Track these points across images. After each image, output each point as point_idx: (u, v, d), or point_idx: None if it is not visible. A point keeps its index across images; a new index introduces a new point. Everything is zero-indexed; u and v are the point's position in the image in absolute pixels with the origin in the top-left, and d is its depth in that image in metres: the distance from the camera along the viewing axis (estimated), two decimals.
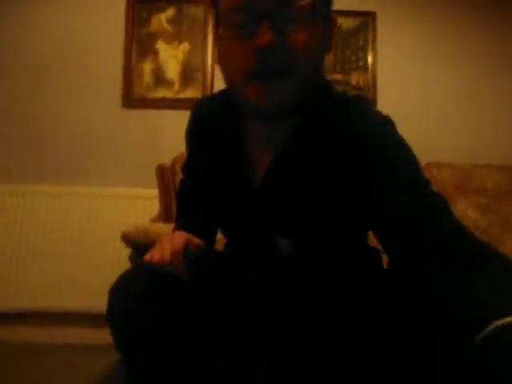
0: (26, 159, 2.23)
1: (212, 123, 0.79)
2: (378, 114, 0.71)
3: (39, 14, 2.29)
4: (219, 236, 0.91)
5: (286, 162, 0.71)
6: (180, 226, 0.86)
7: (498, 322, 0.44)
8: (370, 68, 2.38)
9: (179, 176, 1.85)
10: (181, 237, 0.73)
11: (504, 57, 2.44)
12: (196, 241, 0.73)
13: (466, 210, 2.12)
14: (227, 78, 0.68)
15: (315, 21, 0.63)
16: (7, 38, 2.27)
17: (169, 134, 2.26)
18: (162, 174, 2.00)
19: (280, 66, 0.61)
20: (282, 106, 0.64)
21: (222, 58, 0.68)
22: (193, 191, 0.88)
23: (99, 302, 2.05)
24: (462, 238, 0.59)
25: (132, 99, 2.27)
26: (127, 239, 1.54)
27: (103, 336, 2.05)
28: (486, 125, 2.41)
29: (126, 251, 1.61)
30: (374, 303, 0.68)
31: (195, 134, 0.84)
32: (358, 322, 0.68)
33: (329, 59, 2.36)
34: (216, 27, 0.67)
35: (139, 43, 2.28)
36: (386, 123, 0.69)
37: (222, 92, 0.81)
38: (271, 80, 0.62)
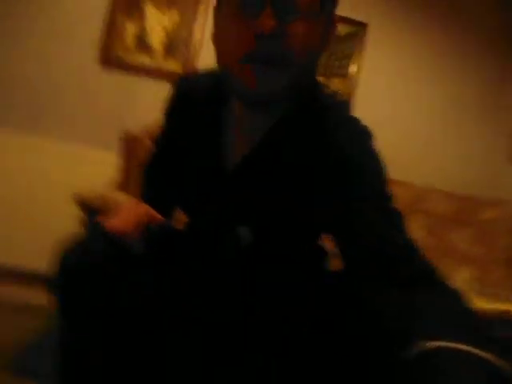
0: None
1: (194, 103, 0.78)
2: (358, 123, 0.72)
3: None
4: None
5: (261, 153, 0.71)
6: (143, 198, 0.85)
7: (424, 345, 0.48)
8: (351, 76, 2.42)
9: (145, 145, 1.82)
10: (143, 208, 0.72)
11: (492, 78, 2.56)
12: (157, 216, 0.72)
13: (413, 229, 2.22)
14: (221, 57, 0.67)
15: (318, 18, 0.63)
16: None
17: (142, 102, 2.20)
18: (128, 141, 1.95)
19: (276, 55, 0.61)
20: (270, 95, 0.64)
21: (218, 35, 0.67)
22: (161, 166, 0.87)
23: (36, 262, 2.00)
24: (413, 256, 0.62)
25: (110, 58, 2.19)
26: (82, 202, 1.50)
27: (34, 295, 1.99)
28: (451, 150, 2.54)
29: (74, 213, 1.55)
30: (312, 302, 0.70)
31: (175, 110, 0.82)
32: (293, 318, 0.69)
33: None
34: (217, 2, 0.66)
35: (126, 2, 2.19)
36: (363, 134, 0.71)
37: (207, 73, 0.79)
38: (266, 67, 0.61)
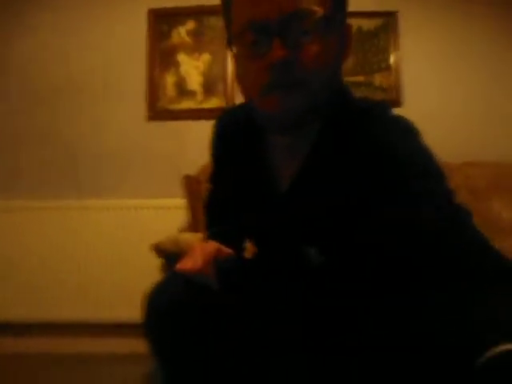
0: (63, 177, 2.30)
1: (235, 136, 0.81)
2: (401, 121, 0.69)
3: (64, 37, 2.36)
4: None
5: (309, 170, 0.71)
6: (210, 236, 0.87)
7: (504, 347, 0.43)
8: (393, 69, 2.34)
9: (205, 185, 1.88)
10: (211, 246, 0.75)
11: None
12: (226, 250, 0.76)
13: (500, 210, 2.05)
14: (245, 93, 0.71)
15: (327, 31, 0.64)
16: (39, 66, 2.36)
17: (193, 144, 2.28)
18: (189, 184, 2.02)
19: (292, 80, 0.62)
20: (294, 115, 0.65)
21: (238, 75, 0.71)
22: (221, 202, 0.89)
23: (128, 313, 2.10)
24: (485, 254, 0.57)
25: (156, 111, 2.32)
26: (158, 249, 1.56)
27: (131, 345, 2.08)
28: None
29: (155, 262, 1.63)
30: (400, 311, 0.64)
31: (219, 147, 0.86)
32: (389, 331, 0.65)
33: (349, 62, 2.34)
34: (230, 47, 0.69)
35: (161, 56, 2.33)
36: (409, 131, 0.68)
37: (242, 105, 0.83)
38: (284, 92, 0.63)
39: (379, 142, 0.65)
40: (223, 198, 0.88)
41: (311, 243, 0.73)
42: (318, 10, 0.61)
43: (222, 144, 0.85)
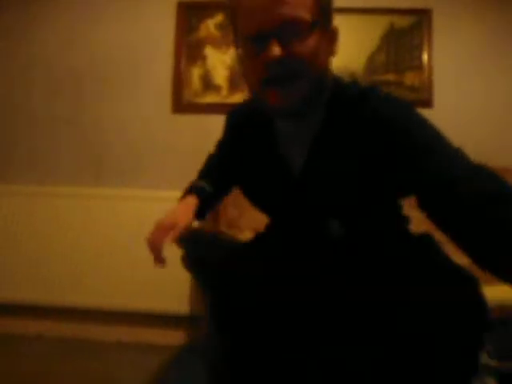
0: (88, 165, 2.34)
1: (246, 127, 0.94)
2: (397, 98, 0.78)
3: (96, 28, 2.39)
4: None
5: (320, 152, 0.81)
6: (201, 177, 1.06)
7: None
8: (425, 68, 2.27)
9: None
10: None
11: None
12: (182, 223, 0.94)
13: None
14: (250, 88, 0.83)
15: (315, 32, 0.75)
16: (63, 55, 2.39)
17: (217, 138, 2.27)
18: None
19: (288, 73, 0.74)
20: (295, 104, 0.77)
21: (243, 73, 0.82)
22: (221, 163, 1.06)
23: (155, 303, 2.12)
24: (493, 177, 0.64)
25: (181, 104, 2.32)
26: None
27: (155, 335, 2.11)
28: None
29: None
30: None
31: (230, 134, 1.00)
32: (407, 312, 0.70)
33: (380, 59, 2.28)
34: (236, 49, 0.81)
35: (188, 49, 2.33)
36: (407, 105, 0.77)
37: (249, 100, 0.97)
38: (282, 85, 0.75)
39: (385, 116, 0.74)
40: (221, 161, 1.05)
41: (333, 216, 0.82)
42: (307, 17, 0.73)
43: (233, 132, 0.98)
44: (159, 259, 0.91)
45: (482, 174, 0.64)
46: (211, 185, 1.03)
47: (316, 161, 0.81)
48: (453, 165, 0.66)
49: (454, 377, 0.68)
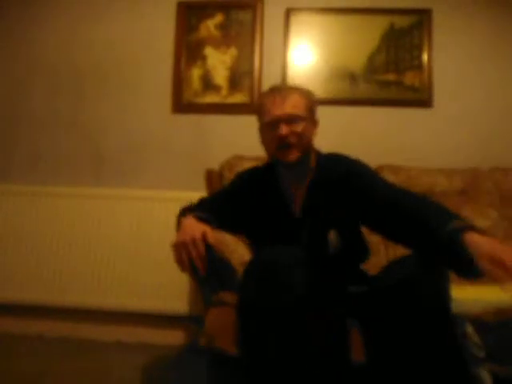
0: (88, 165, 2.34)
1: (252, 186, 1.35)
2: (355, 159, 1.32)
3: (96, 28, 2.39)
4: None
5: (313, 195, 1.28)
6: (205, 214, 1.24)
7: (451, 226, 0.97)
8: (425, 67, 2.27)
9: (227, 180, 1.87)
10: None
11: None
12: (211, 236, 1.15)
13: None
14: (267, 150, 1.30)
15: (306, 121, 1.25)
16: (64, 54, 2.40)
17: (216, 139, 2.28)
18: (211, 178, 2.02)
19: (292, 142, 1.23)
20: (298, 160, 1.24)
21: (263, 140, 1.30)
22: (216, 203, 1.32)
23: (154, 303, 2.12)
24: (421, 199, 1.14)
25: (181, 104, 2.32)
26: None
27: (155, 335, 2.11)
28: None
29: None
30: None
31: (238, 185, 1.38)
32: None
33: (380, 59, 2.28)
34: (260, 125, 1.30)
35: (188, 49, 2.33)
36: (361, 163, 1.31)
37: (256, 167, 1.41)
38: (290, 149, 1.23)
39: (352, 171, 1.27)
40: (219, 204, 1.31)
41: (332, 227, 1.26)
42: (302, 113, 1.24)
43: (242, 186, 1.36)
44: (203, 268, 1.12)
45: (411, 193, 1.15)
46: (214, 221, 1.22)
47: (312, 200, 1.28)
48: (391, 189, 1.19)
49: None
